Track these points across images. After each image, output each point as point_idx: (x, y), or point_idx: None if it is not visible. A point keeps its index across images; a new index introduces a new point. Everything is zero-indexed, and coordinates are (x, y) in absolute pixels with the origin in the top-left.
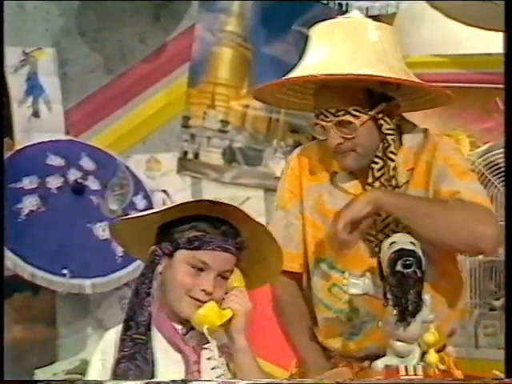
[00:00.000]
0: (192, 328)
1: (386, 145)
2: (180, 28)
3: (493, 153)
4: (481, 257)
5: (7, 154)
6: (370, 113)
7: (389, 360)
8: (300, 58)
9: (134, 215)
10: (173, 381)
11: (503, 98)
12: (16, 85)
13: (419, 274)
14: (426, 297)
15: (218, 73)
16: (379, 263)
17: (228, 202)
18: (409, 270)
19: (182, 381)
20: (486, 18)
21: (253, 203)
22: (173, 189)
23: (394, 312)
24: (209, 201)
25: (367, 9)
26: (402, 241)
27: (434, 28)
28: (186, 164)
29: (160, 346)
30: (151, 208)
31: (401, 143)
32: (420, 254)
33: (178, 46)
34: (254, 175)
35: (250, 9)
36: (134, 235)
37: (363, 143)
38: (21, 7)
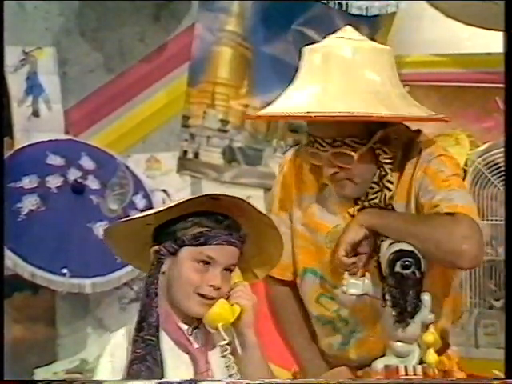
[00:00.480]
0: (196, 327)
1: (383, 173)
2: (180, 27)
3: (492, 152)
4: None
5: (7, 154)
6: (367, 144)
7: (388, 360)
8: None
9: (129, 217)
10: (185, 380)
11: (503, 98)
12: (16, 84)
13: (418, 275)
14: (426, 297)
15: (217, 72)
16: (378, 264)
17: (230, 195)
18: (408, 271)
19: (192, 381)
20: (485, 18)
21: (252, 203)
22: (173, 188)
23: (393, 313)
24: (211, 197)
25: (367, 8)
26: (400, 241)
27: (434, 27)
28: (186, 163)
29: (167, 347)
30: (151, 207)
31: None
32: (419, 254)
33: (178, 45)
34: (254, 175)
35: (249, 8)
36: (127, 239)
37: (360, 174)
38: (21, 7)
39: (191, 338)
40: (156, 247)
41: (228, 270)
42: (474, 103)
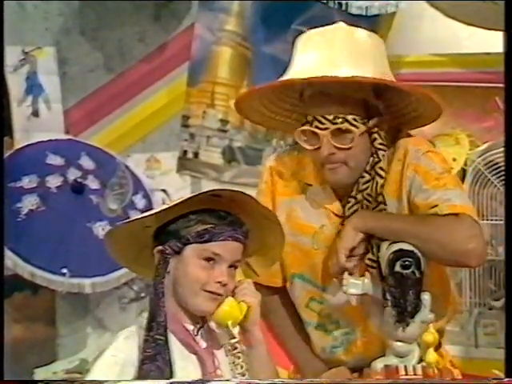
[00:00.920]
0: (201, 327)
1: (376, 160)
2: (180, 27)
3: (492, 152)
4: None
5: (7, 153)
6: (367, 124)
7: (388, 360)
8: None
9: (131, 219)
10: (196, 380)
11: (503, 98)
12: (15, 84)
13: (418, 275)
14: (426, 297)
15: (217, 72)
16: (378, 264)
17: (231, 189)
18: (408, 271)
19: (204, 381)
20: (485, 18)
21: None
22: (172, 188)
23: (393, 312)
24: (212, 194)
25: (367, 8)
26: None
27: (434, 27)
28: (186, 163)
29: (175, 347)
30: (151, 207)
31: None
32: (419, 254)
33: (178, 45)
34: (254, 174)
35: (249, 8)
36: (126, 242)
37: (356, 156)
38: (21, 7)
39: (197, 339)
40: (160, 247)
41: (233, 266)
42: (474, 103)
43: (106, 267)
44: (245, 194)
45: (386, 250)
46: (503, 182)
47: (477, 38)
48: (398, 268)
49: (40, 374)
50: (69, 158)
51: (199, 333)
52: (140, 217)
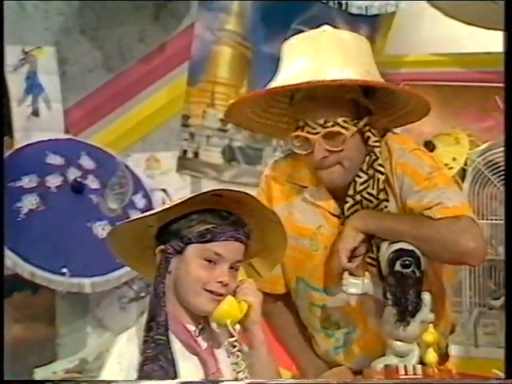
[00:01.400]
0: (203, 328)
1: (374, 157)
2: (179, 27)
3: (492, 152)
4: None
5: (7, 153)
6: (358, 125)
7: (388, 360)
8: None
9: (133, 218)
10: (206, 381)
11: (503, 97)
12: (15, 84)
13: (418, 274)
14: (426, 296)
15: (217, 72)
16: (378, 263)
17: (233, 189)
18: (408, 270)
19: (212, 381)
20: (485, 17)
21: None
22: (172, 188)
23: (394, 311)
24: (214, 194)
25: (367, 8)
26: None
27: (434, 27)
28: (186, 163)
29: (176, 347)
30: (151, 207)
31: None
32: (419, 253)
33: (178, 44)
34: (254, 174)
35: (249, 8)
36: (128, 241)
37: (350, 156)
38: (21, 6)
39: (199, 339)
40: (162, 246)
41: (235, 267)
42: (474, 102)
43: (106, 267)
44: (247, 194)
45: (386, 250)
46: (503, 182)
47: (477, 38)
48: (398, 267)
49: (40, 373)
50: (69, 157)
51: (200, 334)
52: (142, 216)
